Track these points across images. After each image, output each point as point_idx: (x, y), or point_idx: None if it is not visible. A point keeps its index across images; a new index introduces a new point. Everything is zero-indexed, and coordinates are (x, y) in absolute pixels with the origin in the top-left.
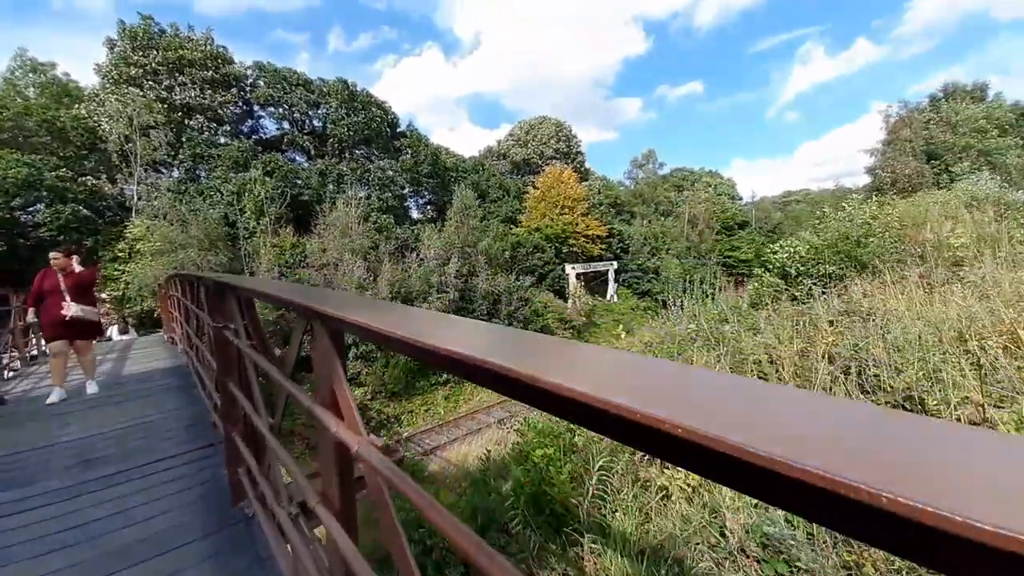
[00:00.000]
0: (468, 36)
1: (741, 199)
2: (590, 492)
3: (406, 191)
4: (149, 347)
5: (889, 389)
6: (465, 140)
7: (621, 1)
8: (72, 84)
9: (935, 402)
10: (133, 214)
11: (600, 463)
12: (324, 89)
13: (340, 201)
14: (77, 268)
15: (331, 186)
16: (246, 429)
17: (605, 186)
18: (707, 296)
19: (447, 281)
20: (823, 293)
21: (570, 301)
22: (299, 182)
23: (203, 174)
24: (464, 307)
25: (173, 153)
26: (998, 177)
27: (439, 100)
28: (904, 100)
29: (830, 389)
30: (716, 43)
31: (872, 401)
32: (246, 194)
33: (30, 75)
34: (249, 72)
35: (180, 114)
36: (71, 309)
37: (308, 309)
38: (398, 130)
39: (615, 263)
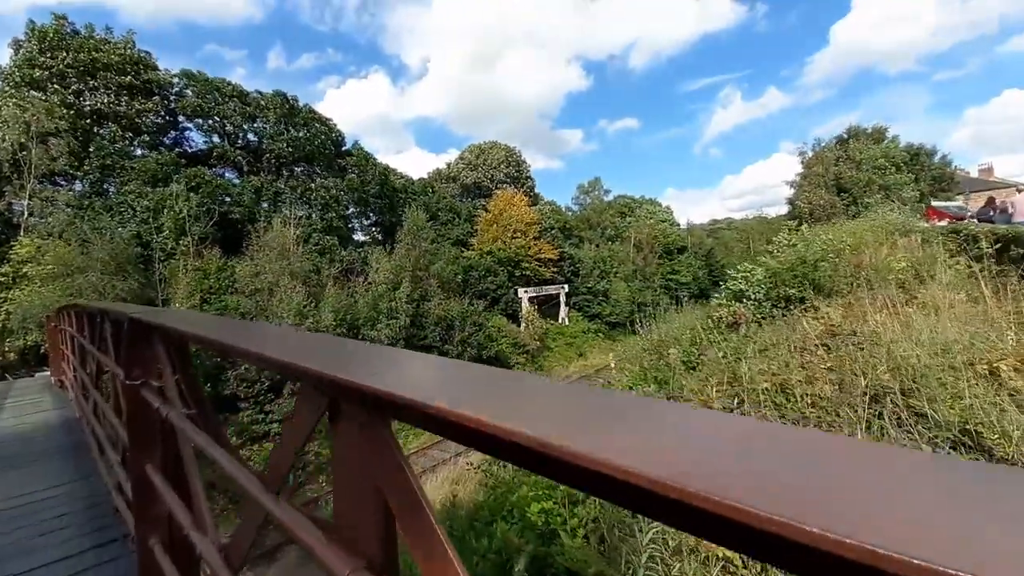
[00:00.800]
0: (415, 63)
1: (678, 225)
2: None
3: (351, 211)
4: (30, 393)
5: (937, 423)
6: (412, 163)
7: (563, 42)
8: None
9: (995, 436)
10: (21, 232)
11: (651, 535)
12: (261, 102)
13: (277, 220)
14: None
15: (266, 204)
16: (173, 539)
17: (554, 211)
18: (656, 317)
19: (397, 307)
20: (784, 315)
21: (523, 325)
22: (229, 199)
23: (113, 188)
24: (415, 334)
25: (76, 164)
26: (905, 208)
27: (386, 123)
28: (818, 138)
29: (869, 426)
30: (649, 83)
31: (917, 437)
32: (165, 211)
33: None
34: (176, 80)
35: (89, 121)
36: None
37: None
38: (343, 148)
39: (566, 286)
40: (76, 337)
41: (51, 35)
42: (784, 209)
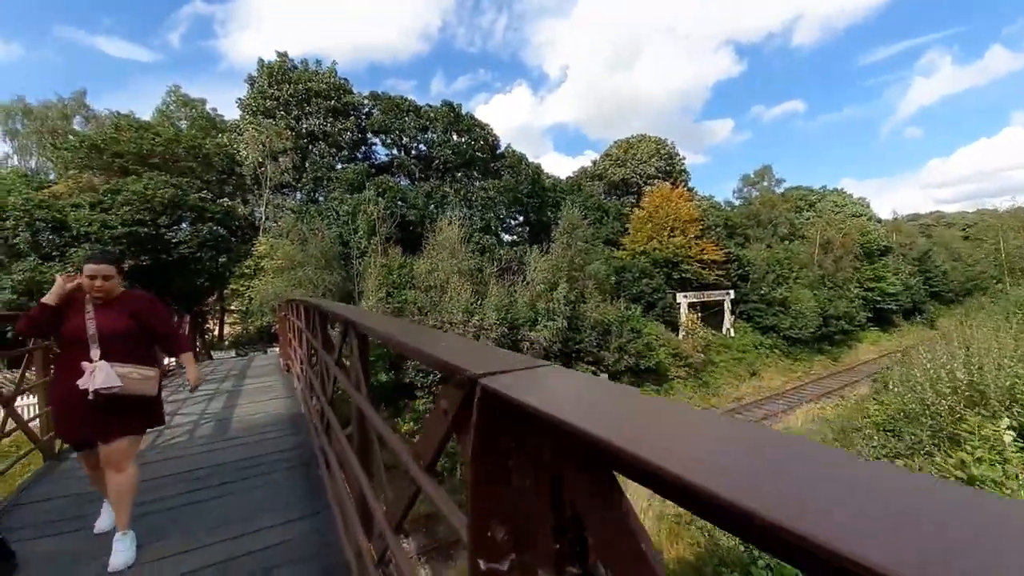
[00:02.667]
0: (555, 71)
1: (880, 220)
2: None
3: (504, 212)
4: (264, 375)
5: None
6: (549, 167)
7: (709, 29)
8: (218, 117)
9: None
10: (260, 233)
11: None
12: (431, 114)
13: (443, 220)
14: (119, 289)
15: (434, 207)
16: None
17: (713, 206)
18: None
19: (555, 308)
20: None
21: (682, 333)
22: (406, 203)
23: (322, 196)
24: (571, 337)
25: (297, 176)
26: None
27: (526, 131)
28: None
29: None
30: (818, 59)
31: None
32: (360, 214)
33: (183, 109)
34: (366, 101)
35: (305, 140)
36: (98, 376)
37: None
38: (498, 151)
39: (732, 292)
40: (300, 327)
41: (276, 69)
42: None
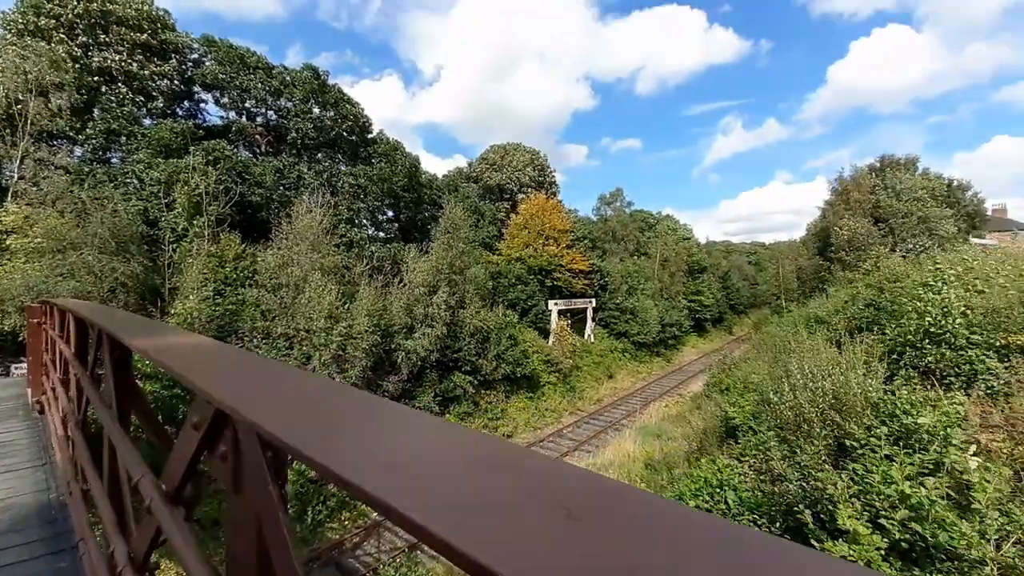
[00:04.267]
0: (430, 69)
1: (698, 243)
2: None
3: (380, 204)
4: None
5: None
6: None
7: (574, 62)
8: None
9: None
10: (9, 197)
11: None
12: (288, 77)
13: (302, 206)
14: None
15: (287, 189)
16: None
17: (579, 220)
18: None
19: (435, 314)
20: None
21: (551, 339)
22: (248, 179)
23: (117, 157)
24: (449, 345)
25: (78, 125)
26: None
27: (395, 124)
28: (855, 165)
29: None
30: (653, 107)
31: None
32: (178, 185)
33: None
34: (195, 46)
35: (96, 79)
36: None
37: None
38: (369, 135)
39: (593, 301)
40: (61, 347)
41: None
42: (791, 235)
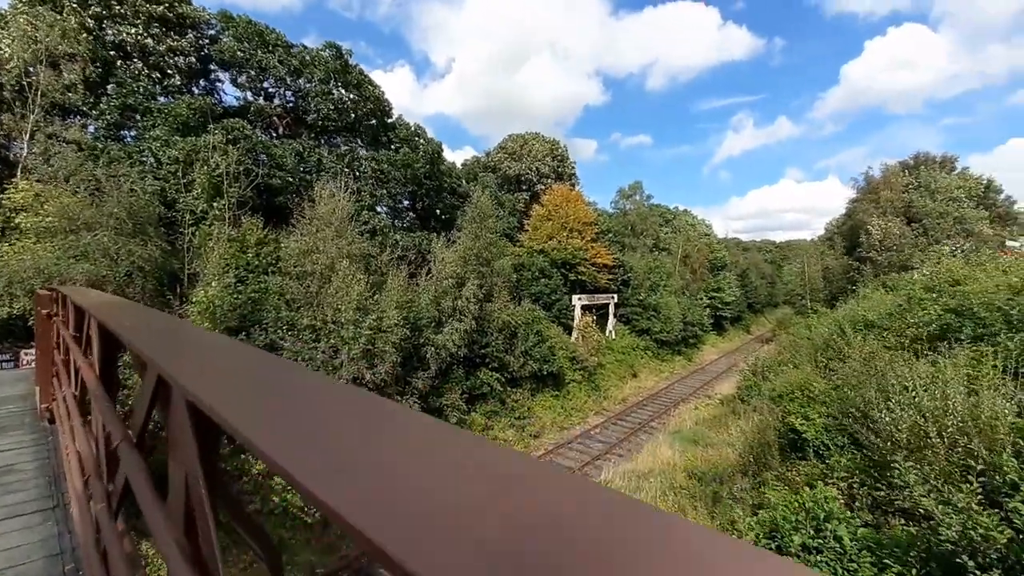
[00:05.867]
0: (442, 61)
1: (718, 239)
2: None
3: (402, 191)
4: None
5: None
6: None
7: (585, 56)
8: None
9: None
10: (19, 173)
11: None
12: (308, 57)
13: (324, 190)
14: None
15: (308, 173)
16: None
17: (601, 213)
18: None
19: (462, 306)
20: None
21: (574, 335)
22: (269, 160)
23: (132, 135)
24: (476, 340)
25: (92, 100)
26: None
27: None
28: (884, 163)
29: None
30: (664, 103)
31: None
32: (197, 164)
33: None
34: (213, 20)
35: (112, 53)
36: None
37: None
38: (389, 120)
39: (615, 296)
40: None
41: None
42: (801, 233)
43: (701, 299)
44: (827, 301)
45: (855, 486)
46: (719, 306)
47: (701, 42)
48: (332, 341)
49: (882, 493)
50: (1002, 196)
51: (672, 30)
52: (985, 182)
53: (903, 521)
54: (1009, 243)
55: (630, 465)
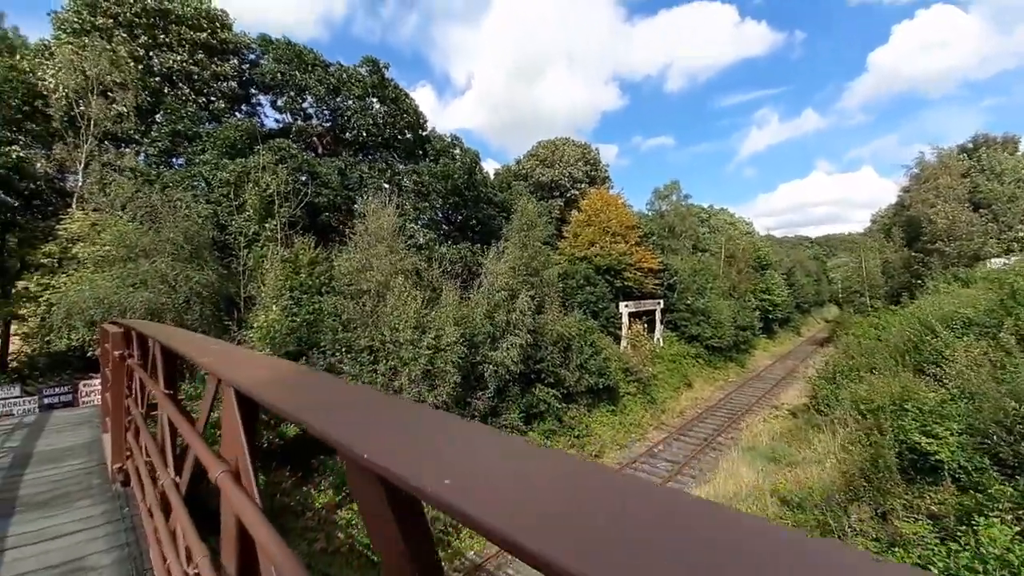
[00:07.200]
0: (462, 78)
1: (760, 236)
2: None
3: (444, 203)
4: (54, 496)
5: None
6: None
7: (601, 63)
8: (20, 40)
9: None
10: (75, 203)
11: None
12: (345, 75)
13: (373, 204)
14: None
15: (350, 190)
16: None
17: (642, 216)
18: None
19: (517, 320)
20: None
21: (623, 344)
22: (315, 179)
23: (181, 161)
24: (532, 355)
25: (143, 127)
26: None
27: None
28: (938, 147)
29: None
30: (684, 103)
31: None
32: (248, 186)
33: None
34: (253, 46)
35: (158, 82)
36: None
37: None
38: (423, 133)
39: (661, 302)
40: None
41: None
42: (835, 228)
43: (750, 301)
44: (889, 297)
45: None
46: (769, 308)
47: (719, 40)
48: (392, 362)
49: None
50: None
51: (688, 30)
52: None
53: None
54: None
55: (708, 488)
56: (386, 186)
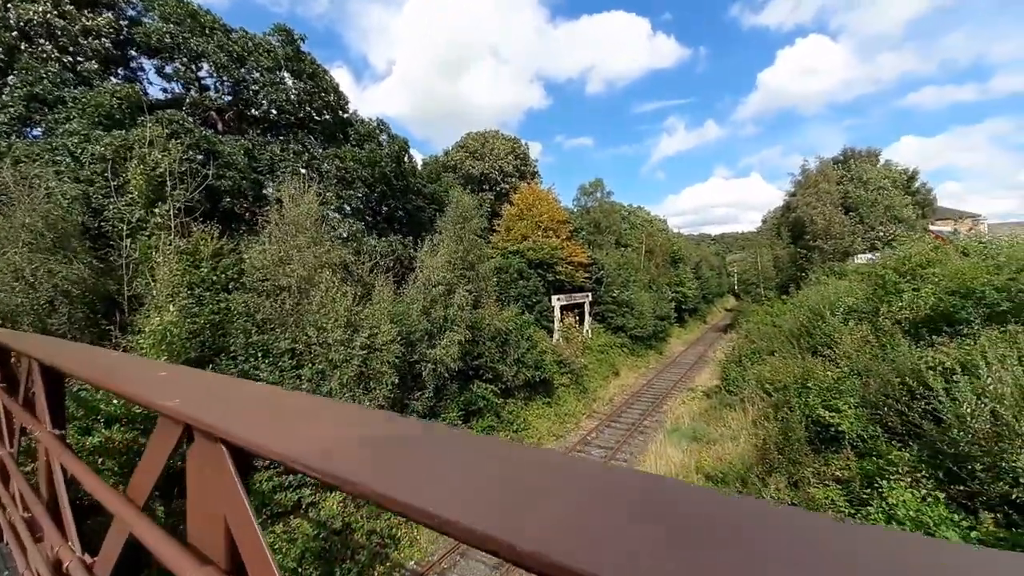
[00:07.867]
0: (382, 64)
1: (673, 233)
2: None
3: (371, 192)
4: None
5: None
6: None
7: (526, 61)
8: None
9: None
10: None
11: None
12: (252, 43)
13: (290, 191)
14: None
15: (260, 174)
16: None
17: (572, 211)
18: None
19: (454, 315)
20: None
21: (556, 337)
22: (216, 159)
23: (40, 129)
24: (469, 350)
25: None
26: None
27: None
28: (819, 157)
29: None
30: (603, 106)
31: None
32: (131, 163)
33: None
34: (134, 1)
35: (14, 37)
36: None
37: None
38: (344, 115)
39: (590, 295)
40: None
41: None
42: (736, 227)
43: (666, 293)
44: (780, 288)
45: (922, 480)
46: (681, 299)
47: (634, 50)
48: (319, 365)
49: (961, 488)
50: (918, 184)
51: (607, 38)
52: (910, 172)
53: (996, 516)
54: (932, 227)
55: (641, 470)
56: (303, 171)
